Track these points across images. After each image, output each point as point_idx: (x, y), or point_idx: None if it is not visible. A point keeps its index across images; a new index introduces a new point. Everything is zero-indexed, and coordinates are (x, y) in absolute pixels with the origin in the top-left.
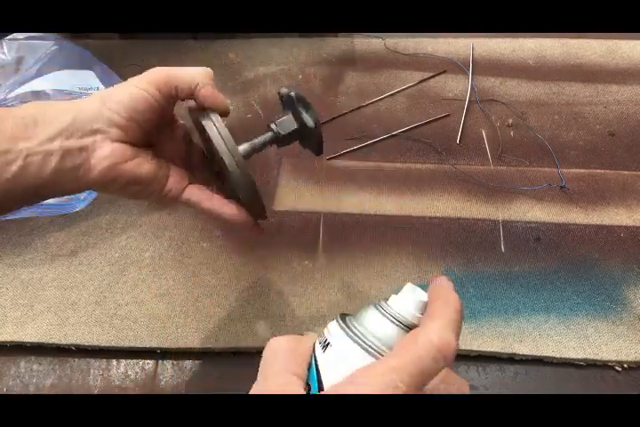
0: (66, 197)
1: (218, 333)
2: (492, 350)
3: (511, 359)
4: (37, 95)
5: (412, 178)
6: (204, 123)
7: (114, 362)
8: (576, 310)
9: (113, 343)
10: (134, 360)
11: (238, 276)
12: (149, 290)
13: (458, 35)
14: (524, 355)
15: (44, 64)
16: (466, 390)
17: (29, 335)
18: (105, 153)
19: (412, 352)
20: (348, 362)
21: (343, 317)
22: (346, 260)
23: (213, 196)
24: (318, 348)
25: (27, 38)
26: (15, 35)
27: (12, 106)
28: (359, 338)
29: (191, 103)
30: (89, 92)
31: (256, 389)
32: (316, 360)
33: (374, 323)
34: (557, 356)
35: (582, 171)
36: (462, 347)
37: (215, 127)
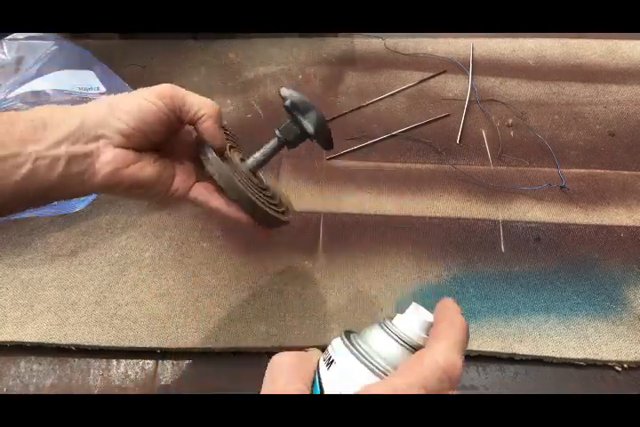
0: None
1: (218, 333)
2: (492, 350)
3: (511, 359)
4: (37, 95)
5: (412, 178)
6: (202, 158)
7: (114, 362)
8: (576, 310)
9: (113, 343)
10: (134, 360)
11: (238, 276)
12: (149, 290)
13: (458, 35)
14: (524, 355)
15: (44, 64)
16: None
17: (29, 335)
18: (107, 158)
19: (417, 373)
20: (352, 380)
21: (347, 334)
22: (346, 260)
23: (220, 195)
24: (322, 365)
25: (27, 38)
26: (15, 35)
27: (12, 106)
28: (364, 357)
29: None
30: (89, 92)
31: None
32: (319, 377)
33: (379, 342)
34: (557, 356)
35: (582, 171)
36: None
37: (211, 165)
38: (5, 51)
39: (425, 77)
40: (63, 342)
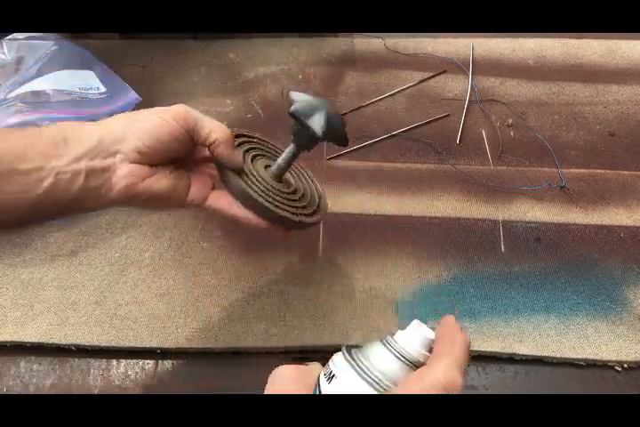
0: None
1: (218, 333)
2: (492, 350)
3: (511, 359)
4: (37, 95)
5: (412, 178)
6: (220, 177)
7: (114, 362)
8: (576, 310)
9: (113, 343)
10: (134, 360)
11: (238, 276)
12: (149, 290)
13: (458, 35)
14: (524, 355)
15: (44, 64)
16: None
17: (29, 335)
18: (123, 173)
19: (418, 389)
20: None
21: (349, 349)
22: (346, 260)
23: (236, 202)
24: (323, 379)
25: (27, 38)
26: (15, 35)
27: (12, 106)
28: (365, 372)
29: None
30: (89, 92)
31: None
32: (320, 391)
33: (380, 358)
34: (557, 356)
35: (582, 171)
36: None
37: (228, 182)
38: (5, 51)
39: (425, 77)
40: (63, 342)
